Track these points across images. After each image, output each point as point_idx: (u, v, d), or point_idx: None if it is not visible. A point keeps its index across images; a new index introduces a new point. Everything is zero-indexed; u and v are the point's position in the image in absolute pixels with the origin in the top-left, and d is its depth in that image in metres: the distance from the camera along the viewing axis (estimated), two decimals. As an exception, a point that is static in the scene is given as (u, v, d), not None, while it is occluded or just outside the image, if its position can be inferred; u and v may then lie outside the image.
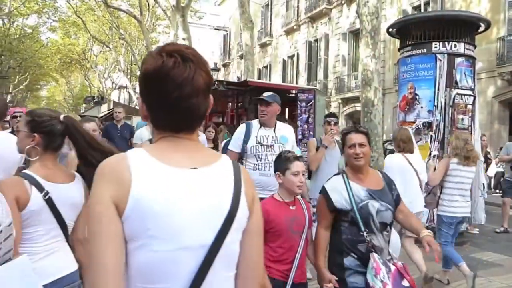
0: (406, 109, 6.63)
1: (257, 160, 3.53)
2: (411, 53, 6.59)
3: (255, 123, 3.73)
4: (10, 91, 40.36)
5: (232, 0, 29.17)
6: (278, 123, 3.76)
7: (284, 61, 27.24)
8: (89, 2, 29.20)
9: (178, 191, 1.01)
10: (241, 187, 1.10)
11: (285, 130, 3.76)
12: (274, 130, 3.66)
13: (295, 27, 25.52)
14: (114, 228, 0.96)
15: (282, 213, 2.52)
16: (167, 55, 1.04)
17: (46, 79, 46.74)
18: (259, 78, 26.85)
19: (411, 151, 4.44)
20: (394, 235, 2.90)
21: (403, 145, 4.40)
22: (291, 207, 2.57)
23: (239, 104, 12.61)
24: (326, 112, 9.01)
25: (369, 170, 2.54)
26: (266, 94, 3.69)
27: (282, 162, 2.59)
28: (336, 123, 4.64)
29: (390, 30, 7.09)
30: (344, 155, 2.53)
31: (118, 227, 0.96)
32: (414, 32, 6.70)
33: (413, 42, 6.67)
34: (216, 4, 37.80)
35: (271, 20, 28.83)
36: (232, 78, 31.57)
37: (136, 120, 14.11)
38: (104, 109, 27.83)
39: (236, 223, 1.07)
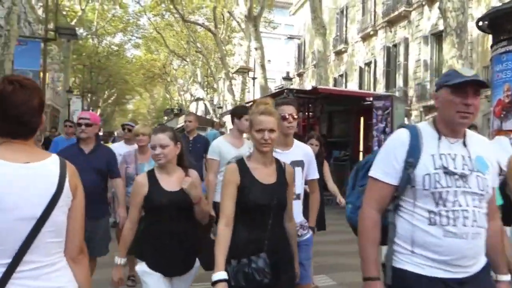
0: (502, 115, 5.70)
1: (438, 205, 1.70)
2: (507, 49, 5.67)
3: (426, 128, 1.84)
4: (99, 105, 43.73)
5: (306, 9, 28.84)
6: (467, 131, 1.88)
7: (360, 68, 26.25)
8: (168, 18, 30.64)
9: (13, 178, 1.38)
10: (65, 177, 1.49)
11: (479, 144, 1.86)
12: (464, 144, 1.81)
13: (371, 33, 24.48)
14: None
15: None
16: (7, 83, 1.41)
17: (131, 93, 49.90)
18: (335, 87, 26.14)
19: None
20: None
21: None
22: None
23: (310, 113, 12.19)
24: (406, 122, 8.17)
25: None
26: (467, 71, 1.76)
27: None
28: None
29: (480, 24, 6.19)
30: None
31: None
32: (509, 24, 5.76)
33: (509, 36, 5.74)
34: (290, 14, 37.77)
35: (346, 27, 28.02)
36: (307, 87, 31.16)
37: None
38: (181, 120, 28.85)
39: (61, 202, 1.45)
